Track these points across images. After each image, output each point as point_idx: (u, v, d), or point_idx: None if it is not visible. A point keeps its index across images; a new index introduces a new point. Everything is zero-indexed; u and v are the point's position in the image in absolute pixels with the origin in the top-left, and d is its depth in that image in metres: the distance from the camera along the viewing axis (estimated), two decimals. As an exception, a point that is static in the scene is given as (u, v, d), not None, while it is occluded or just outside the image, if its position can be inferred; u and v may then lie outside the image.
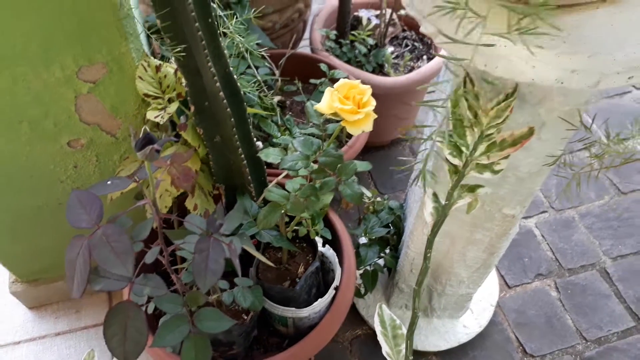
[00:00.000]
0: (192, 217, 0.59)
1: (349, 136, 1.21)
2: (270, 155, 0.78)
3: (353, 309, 1.31)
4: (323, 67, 1.16)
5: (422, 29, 0.63)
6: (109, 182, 0.55)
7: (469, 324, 1.27)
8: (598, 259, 1.44)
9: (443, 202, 0.70)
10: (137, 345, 0.51)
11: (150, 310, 0.71)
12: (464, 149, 0.65)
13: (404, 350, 0.75)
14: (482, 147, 0.66)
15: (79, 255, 0.46)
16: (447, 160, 0.67)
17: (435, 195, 0.71)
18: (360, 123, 0.64)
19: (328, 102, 0.65)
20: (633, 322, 1.33)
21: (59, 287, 1.26)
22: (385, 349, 0.78)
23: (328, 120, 0.75)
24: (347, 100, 0.64)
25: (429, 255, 0.71)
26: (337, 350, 1.28)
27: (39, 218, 1.07)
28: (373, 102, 0.65)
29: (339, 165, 0.75)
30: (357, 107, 0.64)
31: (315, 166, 0.77)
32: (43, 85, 0.82)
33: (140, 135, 0.47)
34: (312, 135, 0.78)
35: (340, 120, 0.68)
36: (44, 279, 1.25)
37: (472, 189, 0.69)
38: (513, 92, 0.66)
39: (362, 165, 0.82)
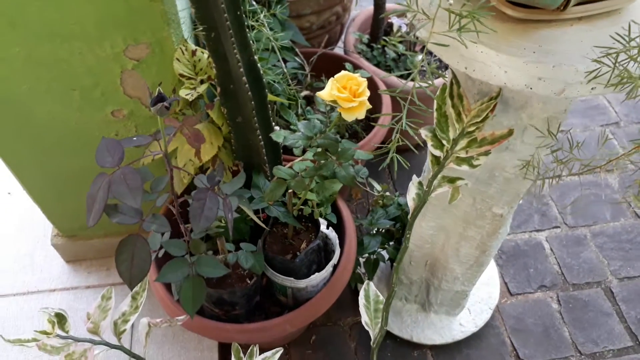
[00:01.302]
0: (200, 176, 0.69)
1: (367, 132, 1.30)
2: (280, 135, 0.88)
3: (356, 296, 1.39)
4: (348, 66, 1.26)
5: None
6: (134, 138, 0.66)
7: (465, 323, 1.33)
8: (604, 277, 1.47)
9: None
10: (141, 272, 0.62)
11: (161, 254, 0.82)
12: (445, 142, 0.73)
13: (380, 322, 0.83)
14: (462, 142, 0.73)
15: (100, 188, 0.57)
16: (430, 152, 0.75)
17: (420, 183, 0.79)
18: (354, 110, 0.73)
19: (328, 90, 0.74)
20: (631, 342, 1.35)
21: (94, 244, 1.40)
22: (364, 318, 0.86)
23: (332, 109, 0.85)
24: (345, 90, 0.73)
25: (408, 235, 0.79)
26: (338, 333, 1.36)
27: (82, 179, 1.20)
28: (367, 93, 0.74)
29: (339, 150, 0.84)
30: (352, 96, 0.73)
31: (320, 150, 0.86)
32: (95, 58, 0.95)
33: (155, 95, 0.58)
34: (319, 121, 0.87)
35: (343, 109, 0.77)
36: (82, 235, 1.39)
37: (452, 180, 0.76)
38: (497, 96, 0.74)
39: (362, 154, 0.91)
